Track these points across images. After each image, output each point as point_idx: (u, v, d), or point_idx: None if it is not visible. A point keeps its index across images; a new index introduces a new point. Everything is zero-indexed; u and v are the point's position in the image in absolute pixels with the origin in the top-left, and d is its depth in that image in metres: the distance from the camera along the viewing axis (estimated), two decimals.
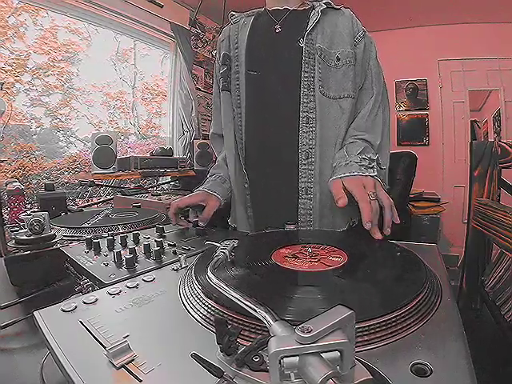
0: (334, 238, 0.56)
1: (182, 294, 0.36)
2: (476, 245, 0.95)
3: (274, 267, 0.41)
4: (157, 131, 2.82)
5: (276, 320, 0.23)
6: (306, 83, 0.71)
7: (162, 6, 2.39)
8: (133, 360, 0.24)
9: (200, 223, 0.73)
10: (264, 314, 0.24)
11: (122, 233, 0.68)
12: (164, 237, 0.63)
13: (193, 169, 2.31)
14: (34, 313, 0.32)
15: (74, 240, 0.68)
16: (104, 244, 0.55)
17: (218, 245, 0.44)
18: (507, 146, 0.90)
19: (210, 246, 0.46)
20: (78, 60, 2.17)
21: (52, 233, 0.61)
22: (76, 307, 0.33)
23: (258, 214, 0.81)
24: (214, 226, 0.79)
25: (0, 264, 0.58)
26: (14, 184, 1.18)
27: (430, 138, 3.16)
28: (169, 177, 2.42)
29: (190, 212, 0.79)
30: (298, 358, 0.19)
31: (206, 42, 2.96)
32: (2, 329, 0.41)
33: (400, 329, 0.28)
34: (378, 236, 0.53)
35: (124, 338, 0.27)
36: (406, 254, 0.45)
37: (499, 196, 0.95)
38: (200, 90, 2.89)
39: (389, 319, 0.28)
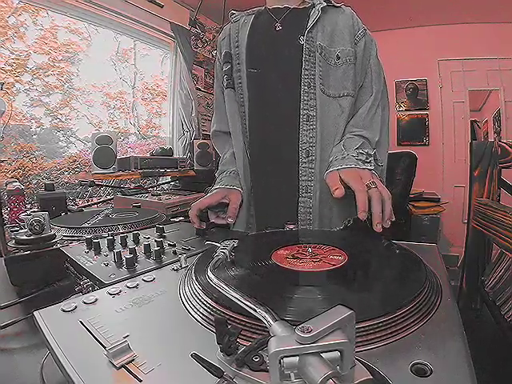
0: (334, 238, 0.56)
1: (181, 294, 0.36)
2: (476, 245, 0.95)
3: (273, 267, 0.41)
4: (157, 131, 2.82)
5: (276, 320, 0.23)
6: (306, 81, 0.71)
7: (162, 6, 2.39)
8: (133, 360, 0.24)
9: (229, 220, 0.72)
10: (264, 314, 0.24)
11: (122, 233, 0.68)
12: (164, 237, 0.63)
13: (193, 169, 2.31)
14: (34, 313, 0.32)
15: (74, 240, 0.68)
16: (104, 244, 0.55)
17: (218, 245, 0.44)
18: (507, 146, 0.90)
19: (210, 246, 0.46)
20: (78, 60, 2.17)
21: (52, 233, 0.61)
22: (76, 307, 0.33)
23: (258, 212, 0.81)
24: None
25: (0, 264, 0.58)
26: (14, 184, 1.18)
27: (429, 137, 3.16)
28: (169, 177, 2.42)
29: (209, 213, 0.76)
30: (297, 358, 0.19)
31: (206, 41, 2.97)
32: (1, 329, 0.41)
33: (400, 329, 0.28)
34: (378, 228, 0.51)
35: (124, 338, 0.27)
36: (406, 254, 0.45)
37: (499, 196, 0.95)
38: (200, 89, 2.89)
39: (389, 319, 0.28)
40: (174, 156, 2.36)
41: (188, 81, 2.62)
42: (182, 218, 0.89)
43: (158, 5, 2.37)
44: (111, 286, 0.38)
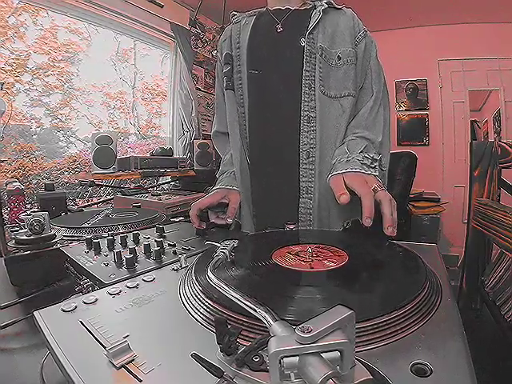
0: (334, 238, 0.56)
1: (181, 294, 0.36)
2: (476, 245, 0.95)
3: (273, 267, 0.41)
4: (157, 131, 2.82)
5: (276, 320, 0.23)
6: (307, 82, 0.71)
7: (162, 6, 2.39)
8: (133, 360, 0.24)
9: (228, 220, 0.72)
10: (264, 314, 0.24)
11: (122, 233, 0.68)
12: (164, 237, 0.63)
13: (193, 169, 2.31)
14: (34, 313, 0.32)
15: (74, 240, 0.68)
16: (104, 244, 0.55)
17: (218, 245, 0.44)
18: (507, 146, 0.90)
19: (210, 246, 0.46)
20: (78, 60, 2.17)
21: (52, 233, 0.61)
22: (76, 307, 0.33)
23: (259, 213, 0.81)
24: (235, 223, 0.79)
25: (0, 264, 0.58)
26: (14, 184, 1.18)
27: (430, 137, 3.16)
28: (169, 177, 2.42)
29: (209, 213, 0.77)
30: (297, 358, 0.19)
31: (206, 42, 2.97)
32: (1, 329, 0.41)
33: (400, 329, 0.28)
34: (390, 231, 0.50)
35: (124, 338, 0.27)
36: (406, 254, 0.45)
37: (499, 196, 0.95)
38: (200, 89, 2.89)
39: (389, 319, 0.28)
40: (174, 156, 2.36)
41: (188, 81, 2.62)
42: (181, 218, 0.89)
43: (158, 5, 2.37)
44: (111, 286, 0.38)
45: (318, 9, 0.73)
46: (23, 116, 1.90)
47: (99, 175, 1.77)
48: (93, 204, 2.07)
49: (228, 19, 0.86)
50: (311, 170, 0.73)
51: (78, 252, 0.53)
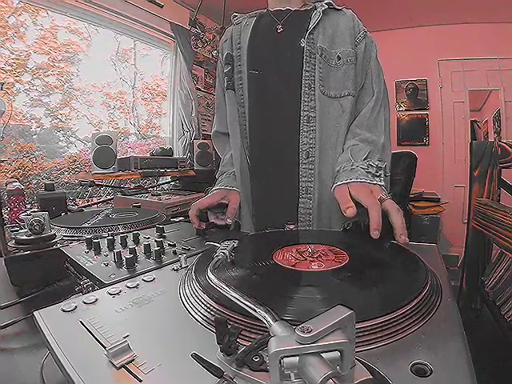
0: (334, 238, 0.56)
1: (181, 294, 0.36)
2: (476, 245, 0.95)
3: (273, 267, 0.41)
4: (157, 131, 2.82)
5: (276, 320, 0.23)
6: (306, 82, 0.71)
7: (162, 6, 2.39)
8: (133, 360, 0.24)
9: (228, 221, 0.72)
10: (264, 314, 0.24)
11: (122, 233, 0.68)
12: (164, 237, 0.63)
13: (193, 169, 2.31)
14: (34, 313, 0.32)
15: (74, 240, 0.68)
16: (104, 244, 0.55)
17: (218, 245, 0.44)
18: (507, 146, 0.90)
19: (210, 246, 0.46)
20: (78, 60, 2.17)
21: (52, 233, 0.61)
22: (76, 307, 0.33)
23: (259, 213, 0.81)
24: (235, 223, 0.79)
25: (0, 264, 0.58)
26: (14, 184, 1.18)
27: (430, 137, 3.16)
28: (169, 177, 2.42)
29: (208, 214, 0.77)
30: (297, 358, 0.19)
31: (206, 42, 2.96)
32: (1, 329, 0.41)
33: (400, 329, 0.28)
34: (403, 240, 0.49)
35: (124, 338, 0.27)
36: (406, 254, 0.45)
37: (499, 196, 0.95)
38: (200, 89, 2.89)
39: (389, 319, 0.28)
40: (174, 156, 2.36)
41: (188, 81, 2.62)
42: (181, 218, 0.89)
43: (158, 5, 2.37)
44: (111, 286, 0.38)
45: (318, 9, 0.73)
46: (23, 116, 1.90)
47: (99, 175, 1.77)
48: (93, 204, 2.07)
49: (228, 19, 0.86)
50: (311, 169, 0.73)
51: (77, 252, 0.53)
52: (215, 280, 0.31)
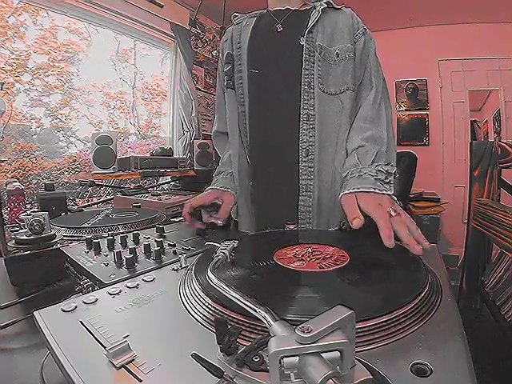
0: (335, 239, 0.56)
1: (181, 294, 0.36)
2: (476, 245, 0.95)
3: (273, 267, 0.41)
4: (157, 131, 2.82)
5: (276, 320, 0.23)
6: (306, 80, 0.71)
7: (162, 6, 2.39)
8: (133, 360, 0.24)
9: (219, 222, 0.71)
10: (264, 314, 0.24)
11: (122, 233, 0.68)
12: (164, 237, 0.63)
13: (193, 169, 2.31)
14: (34, 313, 0.32)
15: (74, 240, 0.68)
16: (104, 244, 0.55)
17: (218, 245, 0.44)
18: (507, 146, 0.90)
19: (210, 246, 0.46)
20: (78, 60, 2.17)
21: (52, 233, 0.61)
22: (76, 307, 0.33)
23: (259, 212, 0.81)
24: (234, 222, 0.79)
25: (0, 264, 0.58)
26: (14, 184, 1.18)
27: (430, 137, 3.16)
28: (169, 177, 2.42)
29: (202, 212, 0.77)
30: (297, 358, 0.19)
31: (206, 42, 2.96)
32: (1, 329, 0.41)
33: (400, 329, 0.28)
34: (417, 250, 0.44)
35: (124, 338, 0.27)
36: (406, 254, 0.45)
37: (499, 196, 0.95)
38: (200, 89, 2.89)
39: (389, 319, 0.28)
40: (174, 156, 2.36)
41: (188, 81, 2.62)
42: (181, 218, 0.89)
43: (158, 5, 2.37)
44: (111, 286, 0.38)
45: (317, 8, 0.73)
46: (23, 116, 1.90)
47: (99, 175, 1.77)
48: (93, 204, 2.07)
49: (228, 19, 0.86)
50: (310, 167, 0.73)
51: (78, 252, 0.53)
52: (215, 280, 0.31)
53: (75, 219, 0.84)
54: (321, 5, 0.74)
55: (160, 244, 0.53)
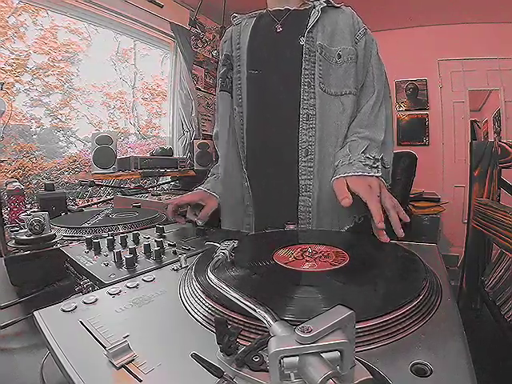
0: (334, 239, 0.56)
1: (181, 294, 0.36)
2: (476, 245, 0.95)
3: (273, 267, 0.41)
4: (157, 131, 2.82)
5: (276, 320, 0.23)
6: (306, 80, 0.71)
7: (162, 6, 2.39)
8: (133, 360, 0.24)
9: (198, 222, 0.74)
10: (264, 314, 0.24)
11: (122, 233, 0.68)
12: (164, 237, 0.63)
13: (193, 169, 2.31)
14: (34, 313, 0.32)
15: (74, 240, 0.68)
16: (104, 244, 0.55)
17: (218, 245, 0.44)
18: (507, 146, 0.90)
19: (210, 246, 0.46)
20: (78, 60, 2.17)
21: (52, 233, 0.61)
22: (76, 307, 0.33)
23: (258, 213, 0.81)
24: (215, 226, 0.79)
25: (0, 264, 0.58)
26: (14, 184, 1.18)
27: (429, 137, 3.16)
28: (169, 177, 2.42)
29: (188, 210, 0.80)
30: (297, 358, 0.19)
31: (206, 42, 2.96)
32: (1, 329, 0.41)
33: (400, 329, 0.28)
34: (384, 239, 0.51)
35: (124, 338, 0.27)
36: (406, 254, 0.45)
37: (499, 196, 0.95)
38: (200, 89, 2.89)
39: (389, 319, 0.28)
40: (174, 156, 2.36)
41: (188, 81, 2.62)
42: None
43: (158, 5, 2.37)
44: (111, 286, 0.38)
45: (316, 8, 0.73)
46: (23, 116, 1.90)
47: (99, 175, 1.77)
48: (93, 204, 2.06)
49: (228, 19, 0.86)
50: (310, 167, 0.73)
51: (78, 252, 0.53)
52: (215, 280, 0.31)
53: (75, 219, 0.84)
54: (320, 4, 0.73)
55: (160, 244, 0.53)
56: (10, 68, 1.79)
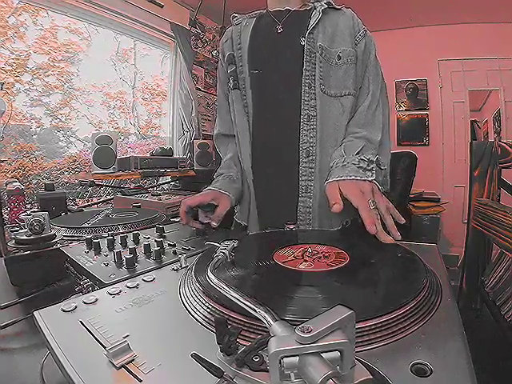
0: (334, 239, 0.56)
1: (182, 294, 0.36)
2: (476, 245, 0.95)
3: (273, 267, 0.41)
4: (157, 131, 2.82)
5: (276, 320, 0.23)
6: (307, 81, 0.71)
7: (162, 6, 2.39)
8: (133, 360, 0.24)
9: (212, 223, 0.71)
10: (264, 314, 0.24)
11: (122, 233, 0.68)
12: (164, 237, 0.63)
13: (193, 169, 2.31)
14: (34, 313, 0.32)
15: (74, 240, 0.68)
16: (104, 244, 0.55)
17: (218, 245, 0.44)
18: (507, 146, 0.90)
19: (210, 246, 0.46)
20: (78, 60, 2.17)
21: (52, 233, 0.61)
22: (76, 307, 0.33)
23: (262, 213, 0.81)
24: (229, 227, 0.78)
25: (0, 264, 0.58)
26: (14, 184, 1.18)
27: (430, 137, 3.16)
28: (169, 177, 2.42)
29: (199, 212, 0.76)
30: (297, 357, 0.19)
31: (206, 41, 2.96)
32: (1, 329, 0.41)
33: (400, 329, 0.28)
34: (387, 240, 0.51)
35: (124, 338, 0.27)
36: (406, 254, 0.45)
37: (499, 196, 0.95)
38: (200, 89, 2.89)
39: (389, 319, 0.28)
40: (174, 156, 2.36)
41: (188, 81, 2.62)
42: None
43: (158, 5, 2.37)
44: (111, 286, 0.38)
45: (317, 9, 0.73)
46: (23, 116, 1.90)
47: (99, 175, 1.77)
48: (93, 204, 2.07)
49: (228, 19, 0.86)
50: (311, 168, 0.73)
51: (78, 252, 0.53)
52: (215, 280, 0.31)
53: (75, 219, 0.84)
54: (321, 5, 0.73)
55: (160, 244, 0.53)
56: (10, 68, 1.79)
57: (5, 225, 1.19)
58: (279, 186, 0.77)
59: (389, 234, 0.53)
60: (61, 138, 2.14)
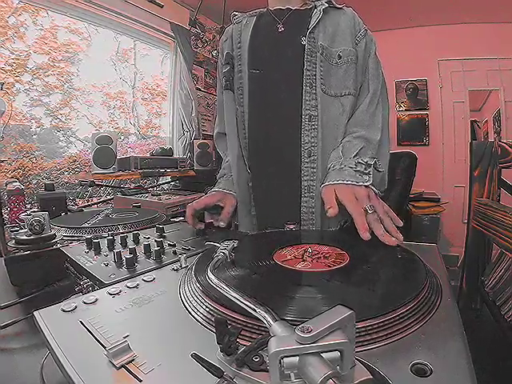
0: (335, 238, 0.56)
1: (182, 294, 0.36)
2: (476, 245, 0.95)
3: (273, 267, 0.41)
4: (157, 131, 2.82)
5: (276, 320, 0.23)
6: (308, 81, 0.71)
7: (162, 6, 2.39)
8: (133, 360, 0.24)
9: (220, 224, 0.72)
10: (264, 314, 0.24)
11: (122, 233, 0.68)
12: (164, 237, 0.63)
13: (193, 169, 2.31)
14: (34, 313, 0.32)
15: (74, 240, 0.68)
16: (104, 244, 0.55)
17: (218, 245, 0.44)
18: (507, 146, 0.90)
19: (210, 246, 0.46)
20: (78, 60, 2.17)
21: (52, 233, 0.61)
22: (76, 307, 0.33)
23: (260, 213, 0.81)
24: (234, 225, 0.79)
25: (0, 264, 0.58)
26: (14, 184, 1.18)
27: (430, 137, 3.16)
28: (169, 177, 2.42)
29: (205, 215, 0.77)
30: (297, 358, 0.19)
31: (206, 41, 2.96)
32: (1, 329, 0.41)
33: (400, 329, 0.28)
34: (392, 241, 0.50)
35: (124, 338, 0.27)
36: (406, 254, 0.45)
37: (499, 196, 0.95)
38: (200, 89, 2.89)
39: (389, 319, 0.28)
40: (174, 156, 2.36)
41: (188, 81, 2.62)
42: (182, 218, 0.89)
43: (158, 5, 2.37)
44: (111, 286, 0.38)
45: (318, 8, 0.73)
46: (23, 116, 1.90)
47: (99, 175, 1.77)
48: (93, 204, 2.07)
49: (228, 19, 0.86)
50: (313, 168, 0.73)
51: (78, 252, 0.53)
52: (215, 280, 0.31)
53: (75, 219, 0.84)
54: (322, 4, 0.73)
55: (160, 244, 0.53)
56: (10, 68, 1.79)
57: (5, 225, 1.19)
58: (280, 186, 0.76)
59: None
60: (61, 138, 2.14)
